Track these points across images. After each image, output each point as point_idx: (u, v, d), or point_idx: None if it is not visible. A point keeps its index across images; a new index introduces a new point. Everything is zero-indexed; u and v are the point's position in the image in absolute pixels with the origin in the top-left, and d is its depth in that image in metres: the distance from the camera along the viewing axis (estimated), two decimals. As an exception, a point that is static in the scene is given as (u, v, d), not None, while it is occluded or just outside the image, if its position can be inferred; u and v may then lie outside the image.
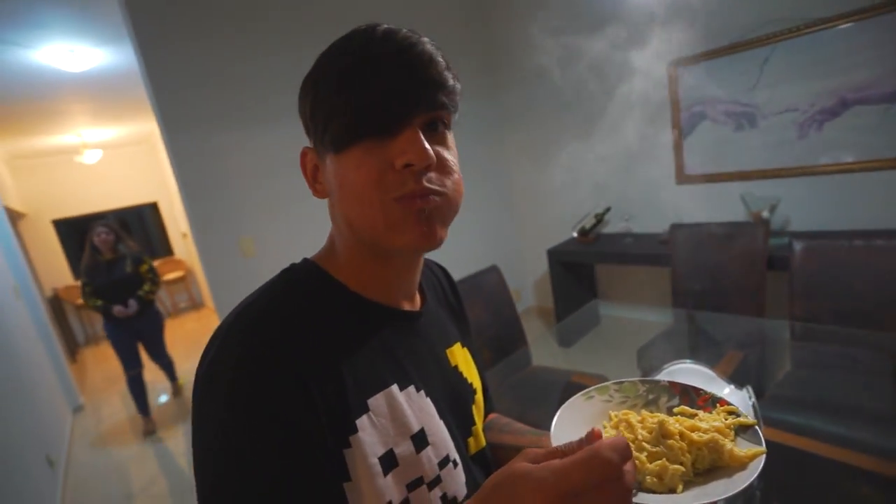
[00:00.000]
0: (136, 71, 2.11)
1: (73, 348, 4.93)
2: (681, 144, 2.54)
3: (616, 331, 2.68)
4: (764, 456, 0.41)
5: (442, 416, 0.49)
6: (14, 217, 4.15)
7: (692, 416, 0.47)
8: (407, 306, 0.52)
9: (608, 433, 0.47)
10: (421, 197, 0.41)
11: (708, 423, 0.45)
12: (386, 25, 0.41)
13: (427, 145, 0.40)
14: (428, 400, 0.48)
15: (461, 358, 0.58)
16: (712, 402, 0.49)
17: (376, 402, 0.43)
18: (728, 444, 0.42)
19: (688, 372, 1.02)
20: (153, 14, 1.96)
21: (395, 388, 0.45)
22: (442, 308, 0.62)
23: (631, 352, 1.77)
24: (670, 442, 0.42)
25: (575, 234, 2.88)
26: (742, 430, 0.44)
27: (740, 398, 0.92)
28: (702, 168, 2.50)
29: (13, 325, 2.76)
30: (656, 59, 2.50)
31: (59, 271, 5.63)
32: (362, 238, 0.45)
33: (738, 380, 0.99)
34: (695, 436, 0.43)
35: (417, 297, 0.55)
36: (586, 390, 0.49)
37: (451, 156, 0.44)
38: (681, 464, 0.41)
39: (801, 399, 1.35)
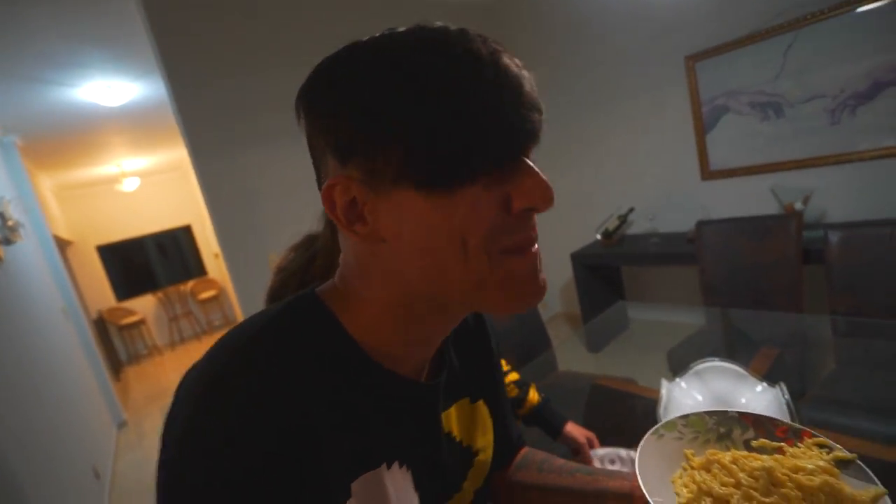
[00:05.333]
0: (167, 101, 2.23)
1: (116, 367, 5.17)
2: (703, 139, 2.47)
3: (646, 334, 2.60)
4: (887, 498, 0.36)
5: (418, 488, 0.43)
6: (62, 244, 4.42)
7: (776, 449, 0.44)
8: (419, 375, 0.45)
9: (694, 476, 0.43)
10: (532, 246, 0.35)
11: (810, 461, 0.40)
12: (481, 36, 0.33)
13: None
14: (409, 474, 0.42)
15: (459, 418, 0.51)
16: (793, 433, 0.45)
17: (360, 485, 0.37)
18: (846, 488, 0.38)
19: (717, 370, 0.98)
20: (180, 48, 2.07)
21: (383, 467, 0.39)
22: (458, 355, 0.53)
23: (661, 354, 1.71)
24: (784, 491, 0.37)
25: (598, 237, 2.83)
26: (843, 466, 0.40)
27: (773, 396, 0.88)
28: (728, 162, 2.42)
29: (62, 344, 2.92)
30: (672, 54, 2.46)
31: (103, 294, 5.93)
32: (439, 297, 0.36)
33: (773, 378, 0.95)
34: (803, 478, 0.38)
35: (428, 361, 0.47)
36: (654, 429, 0.47)
37: None
38: None
39: (846, 399, 1.28)
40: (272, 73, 2.28)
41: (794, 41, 2.04)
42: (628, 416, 1.25)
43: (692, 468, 0.44)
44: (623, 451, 0.95)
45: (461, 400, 0.51)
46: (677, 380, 1.01)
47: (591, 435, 0.99)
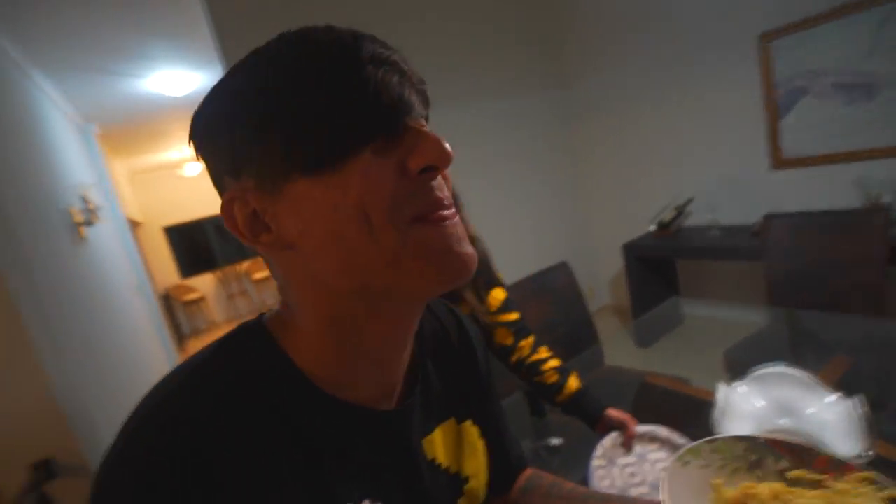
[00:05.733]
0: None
1: (180, 339, 5.59)
2: (776, 125, 2.27)
3: (701, 331, 2.47)
4: None
5: None
6: (133, 225, 4.80)
7: (817, 483, 0.38)
8: (384, 403, 0.42)
9: None
10: (440, 209, 0.33)
11: (865, 500, 0.35)
12: (348, 28, 0.34)
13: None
14: None
15: (444, 444, 0.47)
16: (834, 465, 0.39)
17: None
18: None
19: (781, 377, 0.91)
20: (240, 38, 2.16)
21: None
22: (440, 374, 0.49)
23: (717, 354, 1.62)
24: None
25: (653, 228, 2.70)
26: None
27: (845, 408, 0.80)
28: (804, 150, 2.21)
29: (135, 318, 3.20)
30: (743, 31, 2.26)
31: (169, 272, 6.40)
32: (362, 289, 0.34)
33: (846, 388, 0.87)
34: None
35: (399, 384, 0.44)
36: (679, 454, 0.43)
37: None
38: None
39: (934, 414, 1.15)
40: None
41: (891, 14, 1.81)
42: (679, 418, 1.19)
43: (726, 501, 0.39)
44: (664, 431, 0.92)
45: (446, 422, 0.48)
46: (735, 384, 0.95)
47: (632, 418, 0.95)
